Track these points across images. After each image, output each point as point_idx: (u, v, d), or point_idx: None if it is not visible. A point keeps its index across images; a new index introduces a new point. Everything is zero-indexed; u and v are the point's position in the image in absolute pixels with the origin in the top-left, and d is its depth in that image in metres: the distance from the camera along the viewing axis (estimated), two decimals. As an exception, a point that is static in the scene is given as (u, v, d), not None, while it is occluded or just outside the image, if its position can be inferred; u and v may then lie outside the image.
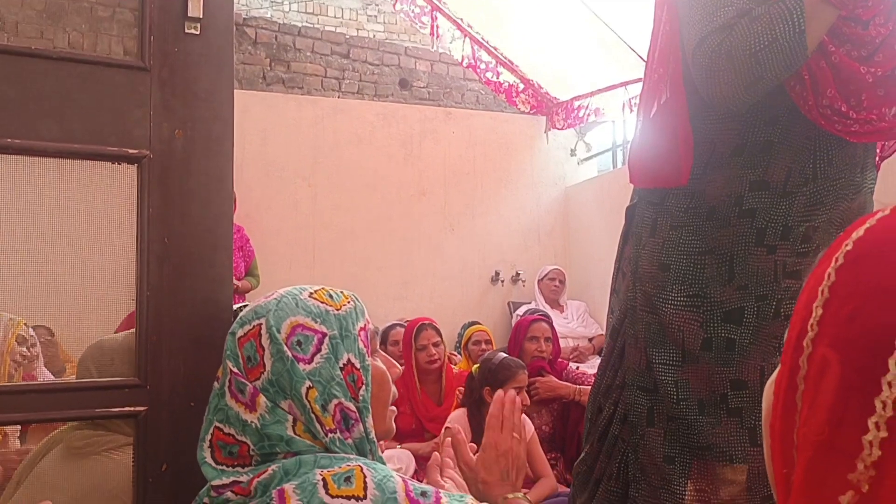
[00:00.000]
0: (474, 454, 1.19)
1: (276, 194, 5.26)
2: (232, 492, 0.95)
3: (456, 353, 5.04)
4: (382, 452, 1.20)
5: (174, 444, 1.13)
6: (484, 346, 4.44)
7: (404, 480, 0.93)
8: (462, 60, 5.47)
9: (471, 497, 0.97)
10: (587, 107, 5.41)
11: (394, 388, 1.14)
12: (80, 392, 1.14)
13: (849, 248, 0.56)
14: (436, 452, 1.27)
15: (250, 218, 4.89)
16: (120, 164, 1.17)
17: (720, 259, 1.57)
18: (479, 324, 5.19)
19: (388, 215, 5.52)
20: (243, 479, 0.95)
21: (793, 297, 1.53)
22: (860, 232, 0.56)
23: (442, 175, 5.72)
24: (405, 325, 4.18)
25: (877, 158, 1.63)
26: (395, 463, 2.99)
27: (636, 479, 1.66)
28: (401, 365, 3.80)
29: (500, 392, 1.21)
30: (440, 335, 3.72)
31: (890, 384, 0.50)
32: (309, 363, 0.99)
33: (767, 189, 1.53)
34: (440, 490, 0.95)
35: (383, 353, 1.14)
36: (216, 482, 0.96)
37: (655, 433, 1.63)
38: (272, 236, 5.12)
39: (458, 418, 3.05)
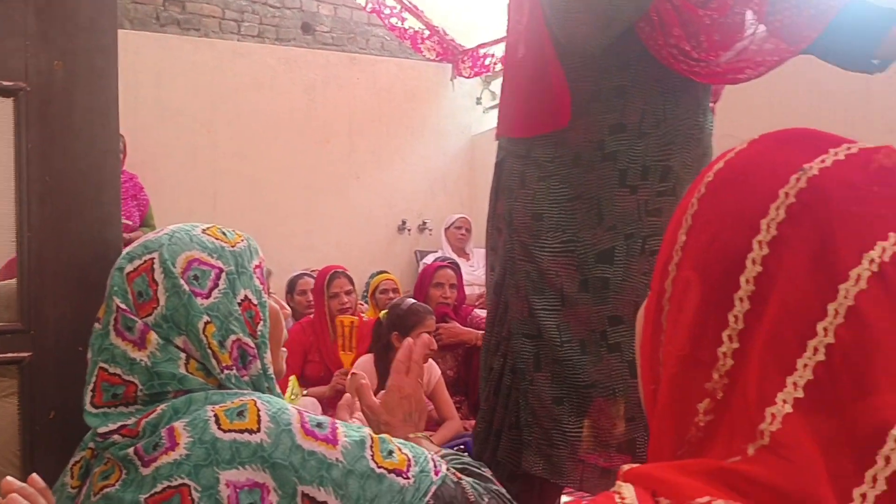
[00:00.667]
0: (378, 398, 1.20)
1: (172, 141, 5.06)
2: (119, 434, 0.92)
3: (363, 301, 5.04)
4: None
5: (61, 391, 1.09)
6: (391, 294, 4.45)
7: (300, 412, 0.93)
8: (366, 5, 5.35)
9: (369, 429, 0.98)
10: (493, 55, 5.41)
11: (285, 331, 1.13)
12: (-42, 338, 1.08)
13: (710, 178, 0.60)
14: (347, 394, 1.27)
15: (145, 165, 4.68)
16: (-7, 96, 1.10)
17: (589, 203, 1.65)
18: (386, 272, 5.19)
19: (292, 163, 5.40)
20: (130, 421, 0.92)
21: (656, 234, 1.63)
22: (720, 164, 0.61)
23: (347, 122, 5.62)
24: (313, 274, 4.14)
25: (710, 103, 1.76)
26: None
27: (528, 424, 1.71)
28: (310, 313, 3.78)
29: (409, 340, 1.22)
30: (352, 283, 3.71)
31: (741, 300, 0.54)
32: (207, 298, 0.96)
33: (625, 131, 1.62)
34: (336, 420, 0.95)
35: (273, 295, 1.13)
36: (102, 429, 0.93)
37: (543, 377, 1.68)
38: (169, 185, 4.94)
39: (364, 364, 3.06)
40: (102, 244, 1.14)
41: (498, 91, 6.21)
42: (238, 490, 0.86)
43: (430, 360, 3.17)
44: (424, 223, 5.81)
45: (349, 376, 2.61)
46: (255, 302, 1.01)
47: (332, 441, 0.91)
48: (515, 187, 1.73)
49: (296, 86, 5.47)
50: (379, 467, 0.91)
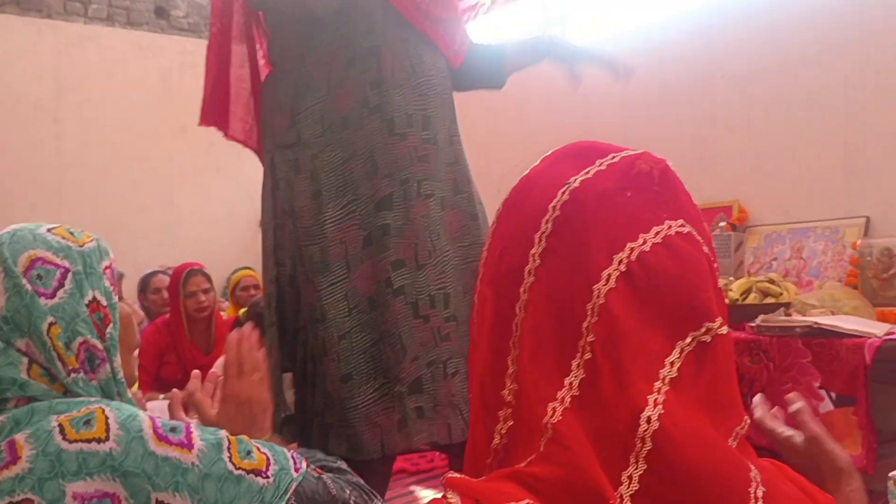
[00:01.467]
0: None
1: (12, 130, 4.70)
2: (-45, 451, 0.85)
3: (223, 299, 4.88)
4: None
5: None
6: (253, 291, 4.34)
7: (152, 418, 0.90)
8: (225, -9, 5.16)
9: (225, 431, 0.95)
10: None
11: (137, 336, 1.08)
12: None
13: (506, 197, 0.66)
14: (175, 389, 1.21)
15: (-19, 156, 4.34)
16: None
17: (364, 158, 1.76)
18: (248, 268, 5.04)
19: (147, 154, 5.15)
20: None
21: (428, 178, 1.79)
22: (517, 182, 0.66)
23: (206, 113, 5.42)
24: (168, 272, 3.97)
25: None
26: (157, 414, 2.85)
27: (327, 407, 1.75)
28: (165, 312, 3.62)
29: (233, 334, 1.16)
30: (210, 281, 3.57)
31: (520, 309, 0.59)
32: (51, 298, 0.92)
33: (384, 83, 1.77)
34: (191, 423, 0.92)
35: (126, 300, 1.07)
36: None
37: (330, 359, 1.73)
38: (9, 177, 4.60)
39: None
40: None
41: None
42: (86, 502, 0.82)
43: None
44: (288, 217, 5.68)
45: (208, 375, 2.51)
46: (105, 304, 0.97)
47: (187, 445, 0.89)
48: (291, 176, 1.80)
49: (149, 73, 5.22)
50: (237, 469, 0.90)
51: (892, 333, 2.33)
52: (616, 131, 3.55)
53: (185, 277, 3.50)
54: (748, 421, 0.59)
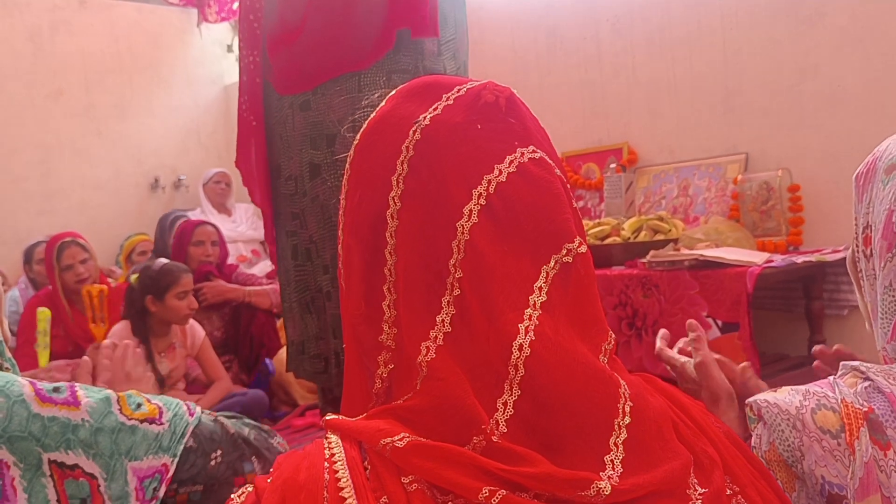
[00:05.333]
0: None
1: None
2: None
3: (116, 267, 4.70)
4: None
5: None
6: (150, 255, 4.20)
7: (31, 381, 0.87)
8: (94, -59, 4.85)
9: (111, 391, 0.92)
10: (241, -1, 5.16)
11: (3, 300, 1.03)
12: None
13: (356, 141, 0.65)
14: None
15: None
16: None
17: None
18: (143, 234, 4.87)
19: (20, 119, 4.84)
20: None
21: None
22: (366, 125, 0.65)
23: (82, 72, 5.12)
24: (51, 241, 3.78)
25: None
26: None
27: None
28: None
29: (108, 343, 1.16)
30: (88, 250, 3.41)
31: (390, 253, 0.59)
32: None
33: None
34: (75, 384, 0.89)
35: None
36: None
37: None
38: None
39: (120, 331, 2.87)
40: None
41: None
42: None
43: (193, 321, 3.04)
44: (180, 180, 5.49)
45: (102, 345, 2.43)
46: None
47: (73, 403, 0.87)
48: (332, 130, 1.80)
49: (17, 31, 4.87)
50: (130, 419, 0.89)
51: (772, 261, 2.46)
52: (506, 78, 3.56)
53: (59, 250, 3.33)
54: (613, 336, 0.60)
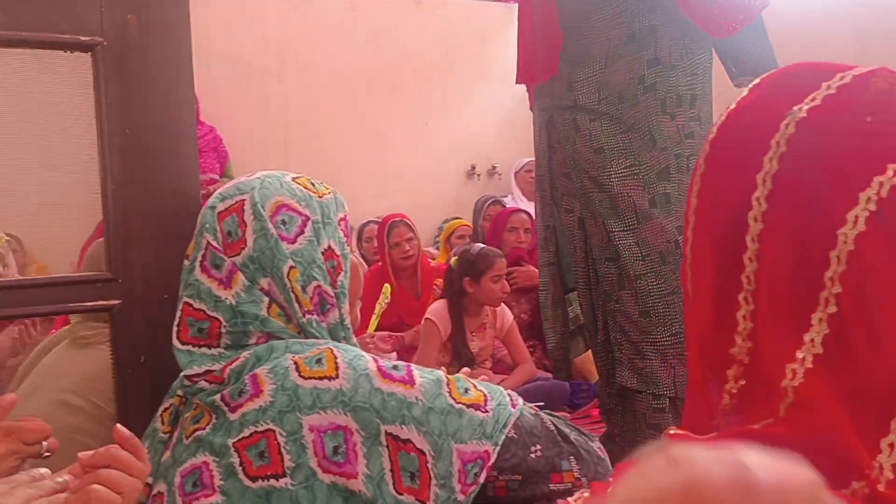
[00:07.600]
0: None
1: (244, 93, 5.12)
2: (206, 380, 0.95)
3: (434, 248, 5.05)
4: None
5: (150, 337, 1.13)
6: (468, 239, 4.47)
7: (374, 358, 0.95)
8: (431, -54, 5.23)
9: (443, 370, 0.99)
10: (561, -8, 5.23)
11: (362, 287, 1.15)
12: (53, 287, 1.13)
13: (713, 135, 0.59)
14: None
15: (220, 117, 4.77)
16: (73, 52, 1.12)
17: (641, 132, 1.91)
18: (460, 219, 5.19)
19: (362, 111, 5.40)
20: (215, 367, 0.95)
21: (694, 154, 1.89)
22: (723, 117, 0.59)
23: (415, 68, 5.58)
24: (379, 221, 4.18)
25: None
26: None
27: (618, 342, 1.92)
28: (377, 260, 3.84)
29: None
30: (413, 230, 3.71)
31: (750, 259, 0.53)
32: (292, 243, 0.98)
33: (659, 64, 1.90)
34: (410, 364, 0.97)
35: (354, 252, 1.15)
36: (189, 371, 0.96)
37: (627, 294, 1.91)
38: (243, 136, 5.01)
39: (438, 310, 3.09)
40: (182, 196, 1.17)
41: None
42: (322, 434, 0.88)
43: (503, 304, 3.17)
44: (494, 168, 5.75)
45: (423, 320, 2.70)
46: (338, 253, 1.03)
47: (409, 382, 0.93)
48: (571, 134, 1.98)
49: (361, 32, 5.44)
50: (457, 403, 0.93)
51: None
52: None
53: (389, 228, 3.66)
54: None
